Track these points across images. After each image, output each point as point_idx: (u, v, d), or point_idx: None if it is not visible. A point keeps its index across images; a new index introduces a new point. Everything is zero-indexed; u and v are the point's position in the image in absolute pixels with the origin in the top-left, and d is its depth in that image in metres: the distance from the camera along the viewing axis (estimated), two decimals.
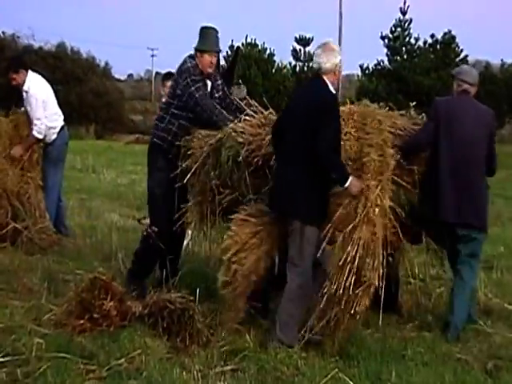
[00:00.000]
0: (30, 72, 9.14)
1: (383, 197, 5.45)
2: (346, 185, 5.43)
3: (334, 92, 5.75)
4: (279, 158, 5.78)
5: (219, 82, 6.89)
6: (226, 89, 6.94)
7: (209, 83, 6.78)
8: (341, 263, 5.32)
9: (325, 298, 5.41)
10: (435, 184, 6.05)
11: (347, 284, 5.26)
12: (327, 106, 5.58)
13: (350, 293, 5.28)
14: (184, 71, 6.63)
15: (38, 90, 9.07)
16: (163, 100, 8.88)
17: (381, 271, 5.32)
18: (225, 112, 6.54)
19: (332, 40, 5.96)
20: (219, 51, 6.80)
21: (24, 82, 9.03)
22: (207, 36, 6.71)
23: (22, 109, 9.16)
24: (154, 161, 6.79)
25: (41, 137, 8.94)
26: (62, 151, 9.33)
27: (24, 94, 9.04)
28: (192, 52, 6.75)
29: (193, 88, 6.55)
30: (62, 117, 9.35)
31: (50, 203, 9.05)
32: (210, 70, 6.71)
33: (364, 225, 5.34)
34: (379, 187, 5.44)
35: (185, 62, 6.70)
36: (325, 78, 5.73)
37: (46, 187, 9.07)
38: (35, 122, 8.90)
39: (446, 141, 6.08)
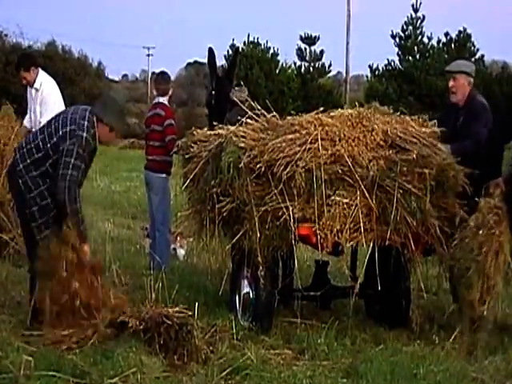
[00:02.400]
0: (41, 70, 9.17)
1: None
2: None
3: None
4: None
5: None
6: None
7: None
8: None
9: None
10: None
11: None
12: None
13: None
14: (75, 135, 6.11)
15: (52, 89, 9.10)
16: (155, 101, 8.95)
17: None
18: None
19: None
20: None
21: (35, 80, 9.03)
22: (114, 107, 6.36)
23: (25, 121, 9.14)
24: None
25: None
26: None
27: (33, 91, 9.03)
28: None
29: (72, 161, 6.06)
30: None
31: None
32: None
33: None
34: None
35: (81, 123, 6.16)
36: None
37: None
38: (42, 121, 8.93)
39: None
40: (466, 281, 6.04)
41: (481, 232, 6.01)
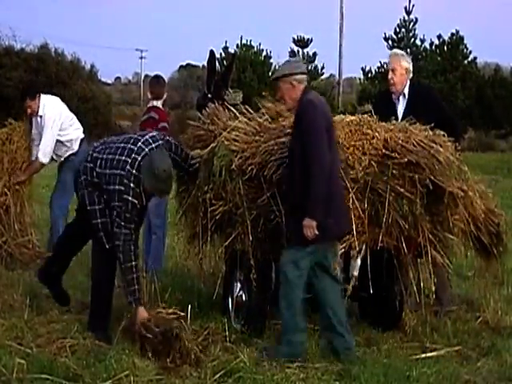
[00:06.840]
0: (42, 95, 9.11)
1: None
2: None
3: None
4: None
5: None
6: None
7: None
8: None
9: None
10: None
11: None
12: None
13: None
14: (122, 197, 5.98)
15: (54, 112, 9.03)
16: (149, 105, 8.94)
17: None
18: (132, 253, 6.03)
19: None
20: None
21: (38, 107, 8.98)
22: (163, 179, 6.04)
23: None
24: None
25: (46, 161, 8.92)
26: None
27: (39, 119, 8.99)
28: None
29: (122, 222, 5.99)
30: (81, 129, 9.35)
31: (59, 207, 9.01)
32: None
33: None
34: None
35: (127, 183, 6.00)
36: None
37: (61, 190, 9.01)
38: (41, 145, 8.86)
39: None
40: None
41: None
